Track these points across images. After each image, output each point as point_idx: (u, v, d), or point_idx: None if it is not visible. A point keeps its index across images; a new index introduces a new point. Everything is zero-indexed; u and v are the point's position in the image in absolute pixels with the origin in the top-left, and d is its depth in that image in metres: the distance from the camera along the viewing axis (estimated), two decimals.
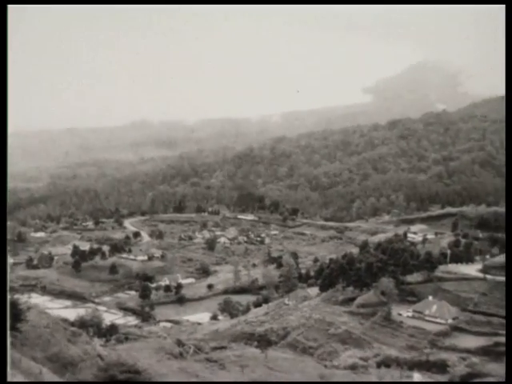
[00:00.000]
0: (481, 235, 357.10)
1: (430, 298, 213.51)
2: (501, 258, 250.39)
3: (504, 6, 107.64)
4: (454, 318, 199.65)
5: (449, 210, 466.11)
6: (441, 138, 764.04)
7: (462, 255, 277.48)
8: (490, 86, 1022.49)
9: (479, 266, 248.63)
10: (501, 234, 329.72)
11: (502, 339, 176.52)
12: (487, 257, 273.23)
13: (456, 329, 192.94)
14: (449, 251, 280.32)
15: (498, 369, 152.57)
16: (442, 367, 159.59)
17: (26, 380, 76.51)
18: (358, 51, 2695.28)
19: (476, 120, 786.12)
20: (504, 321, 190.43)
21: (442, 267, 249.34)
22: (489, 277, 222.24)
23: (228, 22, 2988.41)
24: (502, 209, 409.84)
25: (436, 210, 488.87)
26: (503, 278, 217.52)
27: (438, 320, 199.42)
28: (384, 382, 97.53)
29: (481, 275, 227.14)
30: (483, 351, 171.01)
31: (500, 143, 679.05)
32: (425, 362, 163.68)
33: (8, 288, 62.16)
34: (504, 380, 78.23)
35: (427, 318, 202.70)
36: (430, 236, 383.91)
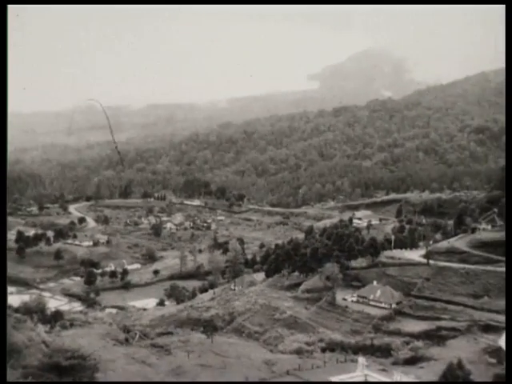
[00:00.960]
0: (424, 221, 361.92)
1: (375, 283, 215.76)
2: (443, 244, 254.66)
3: (504, 6, 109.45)
4: (397, 303, 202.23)
5: (393, 196, 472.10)
6: (386, 125, 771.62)
7: (405, 241, 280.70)
8: (435, 74, 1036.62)
9: (423, 251, 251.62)
10: (444, 220, 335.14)
11: (444, 323, 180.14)
12: (431, 242, 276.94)
13: (400, 313, 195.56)
14: (393, 237, 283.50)
15: (440, 352, 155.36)
16: (386, 351, 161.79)
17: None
18: (305, 38, 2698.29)
19: (420, 108, 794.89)
20: (447, 305, 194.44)
21: (386, 252, 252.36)
22: (432, 262, 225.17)
23: (177, 10, 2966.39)
24: (445, 195, 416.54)
25: (381, 196, 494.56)
26: (446, 264, 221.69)
27: (382, 305, 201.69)
28: (392, 383, 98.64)
29: (424, 260, 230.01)
30: (426, 335, 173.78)
31: (444, 130, 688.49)
32: (369, 346, 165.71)
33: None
34: (505, 380, 79.67)
35: (371, 303, 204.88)
36: (375, 222, 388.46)
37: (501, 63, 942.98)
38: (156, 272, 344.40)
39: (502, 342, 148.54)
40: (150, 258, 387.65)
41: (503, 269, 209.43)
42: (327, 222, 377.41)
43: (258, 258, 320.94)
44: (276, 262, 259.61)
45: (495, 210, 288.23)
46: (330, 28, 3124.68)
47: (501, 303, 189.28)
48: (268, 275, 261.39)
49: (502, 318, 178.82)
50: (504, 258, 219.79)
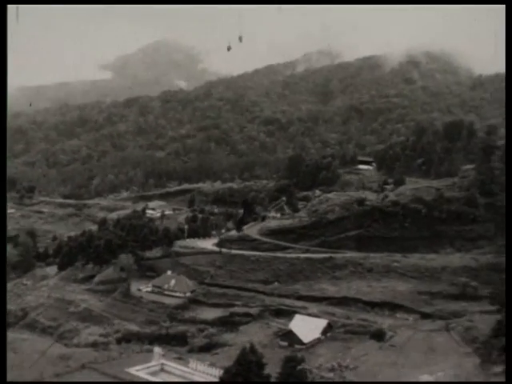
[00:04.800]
0: (216, 210, 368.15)
1: (169, 272, 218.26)
2: (235, 232, 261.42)
3: (504, 6, 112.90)
4: (191, 291, 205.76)
5: (186, 186, 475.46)
6: (178, 115, 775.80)
7: (198, 230, 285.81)
8: (227, 65, 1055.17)
9: (215, 240, 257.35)
10: (235, 209, 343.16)
11: (237, 310, 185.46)
12: (223, 231, 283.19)
13: (194, 301, 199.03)
14: (186, 226, 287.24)
15: (234, 338, 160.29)
16: (181, 339, 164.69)
17: None
18: (96, 28, 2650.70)
19: (212, 99, 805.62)
20: (239, 292, 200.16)
21: (179, 242, 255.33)
22: (224, 250, 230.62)
23: None
24: (236, 185, 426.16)
25: (173, 187, 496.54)
26: (238, 251, 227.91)
27: (177, 294, 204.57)
28: (398, 382, 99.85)
29: (217, 249, 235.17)
30: (220, 322, 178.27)
31: (234, 122, 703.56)
32: (165, 336, 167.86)
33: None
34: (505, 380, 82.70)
35: (166, 293, 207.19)
36: (168, 212, 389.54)
37: (291, 57, 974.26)
38: None
39: (291, 325, 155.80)
40: None
41: (292, 255, 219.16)
42: (121, 213, 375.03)
43: (51, 251, 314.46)
44: (69, 254, 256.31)
45: (283, 198, 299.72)
46: (122, 18, 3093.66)
47: (290, 288, 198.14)
48: (61, 268, 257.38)
49: (291, 302, 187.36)
50: (293, 245, 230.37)
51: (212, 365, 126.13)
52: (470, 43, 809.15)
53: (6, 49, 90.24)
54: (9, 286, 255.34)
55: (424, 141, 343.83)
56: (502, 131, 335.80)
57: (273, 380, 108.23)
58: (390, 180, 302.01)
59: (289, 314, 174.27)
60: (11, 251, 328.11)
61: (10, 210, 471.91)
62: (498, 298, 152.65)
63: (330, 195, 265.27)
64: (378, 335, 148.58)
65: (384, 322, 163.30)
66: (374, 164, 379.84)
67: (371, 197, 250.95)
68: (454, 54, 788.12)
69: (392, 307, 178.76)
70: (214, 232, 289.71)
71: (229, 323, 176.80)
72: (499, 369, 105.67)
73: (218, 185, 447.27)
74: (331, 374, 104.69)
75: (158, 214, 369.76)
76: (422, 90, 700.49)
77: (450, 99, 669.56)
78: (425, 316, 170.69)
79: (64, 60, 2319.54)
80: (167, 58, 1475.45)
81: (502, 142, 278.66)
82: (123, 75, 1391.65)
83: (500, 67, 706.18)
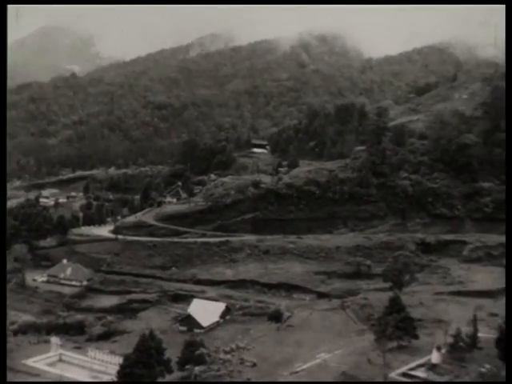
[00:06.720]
0: (112, 197, 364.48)
1: (65, 261, 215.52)
2: (131, 218, 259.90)
3: (504, 6, 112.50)
4: (88, 280, 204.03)
5: (80, 173, 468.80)
6: (70, 101, 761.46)
7: (94, 217, 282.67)
8: (121, 50, 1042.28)
9: (111, 227, 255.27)
10: (131, 195, 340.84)
11: (135, 296, 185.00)
12: (118, 218, 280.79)
13: (91, 290, 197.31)
14: (81, 214, 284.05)
15: (133, 325, 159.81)
16: (79, 328, 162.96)
17: None
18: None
19: (104, 84, 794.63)
20: (137, 278, 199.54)
21: (75, 230, 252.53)
22: (120, 237, 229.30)
23: None
24: (131, 171, 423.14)
25: (67, 174, 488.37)
26: (134, 238, 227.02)
27: (73, 282, 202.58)
28: (397, 382, 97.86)
29: (113, 236, 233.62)
30: (118, 309, 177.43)
31: (128, 107, 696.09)
32: (62, 325, 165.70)
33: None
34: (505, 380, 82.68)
35: (62, 282, 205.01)
36: (62, 200, 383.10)
37: (184, 40, 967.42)
38: None
39: (190, 309, 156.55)
40: None
41: (189, 240, 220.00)
42: (13, 202, 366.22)
43: None
44: None
45: (179, 183, 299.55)
46: (10, 3, 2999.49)
47: (187, 273, 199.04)
48: None
49: (189, 286, 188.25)
50: (190, 230, 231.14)
51: (111, 353, 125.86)
52: (359, 26, 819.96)
53: (5, 49, 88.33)
54: None
55: (316, 124, 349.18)
56: (392, 113, 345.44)
57: (173, 364, 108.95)
58: (284, 163, 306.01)
59: (187, 298, 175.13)
60: None
61: None
62: (390, 275, 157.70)
63: (225, 179, 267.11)
64: (276, 316, 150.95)
65: (281, 302, 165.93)
66: (268, 147, 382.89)
67: (266, 180, 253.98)
68: (344, 37, 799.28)
69: (288, 288, 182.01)
70: (109, 219, 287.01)
71: (127, 310, 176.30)
72: (393, 344, 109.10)
73: (112, 171, 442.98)
74: (229, 356, 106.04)
75: (52, 202, 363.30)
76: (314, 73, 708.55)
77: (341, 82, 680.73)
78: (321, 295, 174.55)
79: None
80: (58, 43, 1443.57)
81: (391, 124, 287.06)
82: (13, 61, 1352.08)
83: (389, 49, 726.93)
